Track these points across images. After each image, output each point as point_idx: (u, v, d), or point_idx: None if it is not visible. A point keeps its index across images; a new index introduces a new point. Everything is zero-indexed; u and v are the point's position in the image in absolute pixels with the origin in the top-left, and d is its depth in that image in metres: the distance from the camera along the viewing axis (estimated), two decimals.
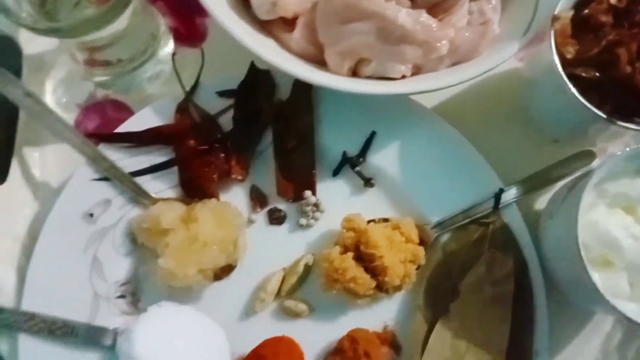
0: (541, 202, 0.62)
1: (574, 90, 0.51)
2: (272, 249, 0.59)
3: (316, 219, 0.60)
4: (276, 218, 0.60)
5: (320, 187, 0.61)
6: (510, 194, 0.58)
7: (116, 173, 0.57)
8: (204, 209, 0.55)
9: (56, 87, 0.64)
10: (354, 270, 0.55)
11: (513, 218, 0.58)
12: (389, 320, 0.58)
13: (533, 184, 0.59)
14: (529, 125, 0.63)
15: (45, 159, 0.62)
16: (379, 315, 0.58)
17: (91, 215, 0.57)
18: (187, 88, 0.60)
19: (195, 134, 0.58)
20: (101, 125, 0.64)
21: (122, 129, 0.59)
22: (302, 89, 0.60)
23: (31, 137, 0.62)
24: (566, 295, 0.55)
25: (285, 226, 0.60)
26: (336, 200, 0.61)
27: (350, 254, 0.55)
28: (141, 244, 0.57)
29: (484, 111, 0.64)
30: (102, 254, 0.57)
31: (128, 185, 0.57)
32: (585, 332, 0.59)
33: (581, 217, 0.49)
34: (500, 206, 0.58)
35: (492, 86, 0.64)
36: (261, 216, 0.60)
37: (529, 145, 0.63)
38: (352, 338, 0.55)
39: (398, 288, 0.57)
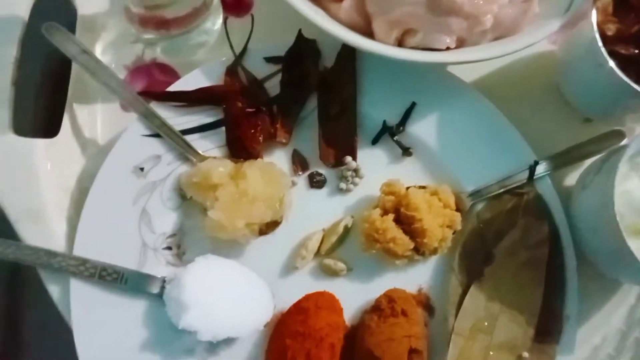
0: (571, 177, 0.64)
1: (612, 64, 0.54)
2: (313, 211, 0.62)
3: (355, 184, 0.62)
4: (316, 182, 0.63)
5: (359, 154, 0.63)
6: (544, 167, 0.61)
7: (166, 130, 0.59)
8: (253, 167, 0.57)
9: (106, 47, 0.66)
10: (394, 231, 0.57)
11: (546, 189, 0.60)
12: (423, 283, 0.60)
13: (565, 158, 0.62)
14: (561, 104, 0.65)
15: (94, 117, 0.64)
16: (414, 278, 0.60)
17: (142, 169, 0.59)
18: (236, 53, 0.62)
19: (243, 97, 0.60)
20: (148, 87, 0.66)
21: (172, 88, 0.61)
22: (347, 58, 0.62)
23: (81, 96, 0.64)
24: (596, 265, 0.58)
25: (324, 190, 0.63)
26: (375, 168, 0.63)
27: (390, 216, 0.58)
28: (189, 198, 0.59)
29: (519, 89, 0.66)
30: (151, 206, 0.59)
31: (178, 142, 0.59)
32: (611, 303, 0.61)
33: (616, 187, 0.52)
34: (534, 178, 0.60)
35: (527, 66, 0.67)
36: (302, 180, 0.63)
37: (560, 124, 0.65)
38: (390, 297, 0.57)
39: (434, 251, 0.59)
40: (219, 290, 0.54)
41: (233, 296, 0.54)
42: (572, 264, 0.58)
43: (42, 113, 0.63)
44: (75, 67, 0.62)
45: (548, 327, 0.56)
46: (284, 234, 0.60)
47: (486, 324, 0.56)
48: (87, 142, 0.63)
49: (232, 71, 0.61)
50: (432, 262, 0.61)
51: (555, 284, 0.57)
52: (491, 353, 0.55)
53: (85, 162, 0.62)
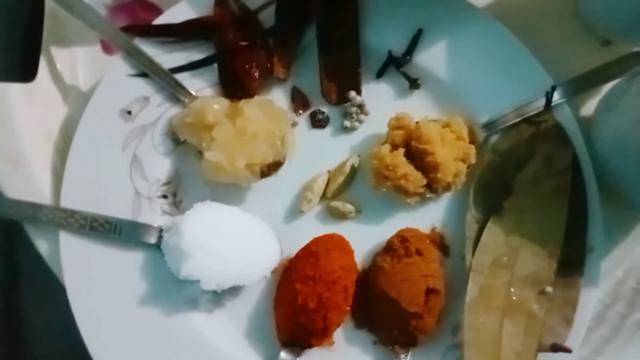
0: (589, 104, 0.61)
1: None
2: (316, 152, 0.58)
3: (360, 122, 0.58)
4: (319, 120, 0.58)
5: (364, 89, 0.58)
6: (561, 93, 0.57)
7: (154, 68, 0.54)
8: (251, 103, 0.53)
9: None
10: (405, 167, 0.53)
11: (565, 116, 0.56)
12: (437, 222, 0.57)
13: (584, 83, 0.58)
14: (578, 27, 0.61)
15: (74, 60, 0.59)
16: (426, 217, 0.57)
17: (129, 112, 0.54)
18: None
19: (236, 29, 0.55)
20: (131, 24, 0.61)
21: (157, 22, 0.56)
22: None
23: (58, 36, 0.58)
24: (622, 193, 0.54)
25: (328, 129, 0.58)
26: (381, 103, 0.58)
27: (401, 151, 0.54)
28: (183, 142, 0.54)
29: (533, 12, 0.61)
30: (142, 152, 0.54)
31: (167, 80, 0.54)
32: (633, 235, 0.58)
33: None
34: (552, 105, 0.56)
35: None
36: (303, 119, 0.58)
37: (577, 48, 0.61)
38: (402, 237, 0.54)
39: (447, 188, 0.56)
40: (221, 236, 0.50)
41: (236, 242, 0.51)
42: (595, 193, 0.54)
43: (16, 56, 0.58)
44: (49, 5, 0.56)
45: (571, 259, 0.53)
46: (287, 177, 0.56)
47: (506, 259, 0.53)
48: (67, 87, 0.58)
49: (222, 1, 0.56)
50: (445, 199, 0.57)
51: (577, 214, 0.53)
52: (512, 289, 0.52)
53: (67, 108, 0.58)
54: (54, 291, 0.53)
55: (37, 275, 0.58)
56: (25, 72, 0.55)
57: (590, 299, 0.52)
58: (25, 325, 0.62)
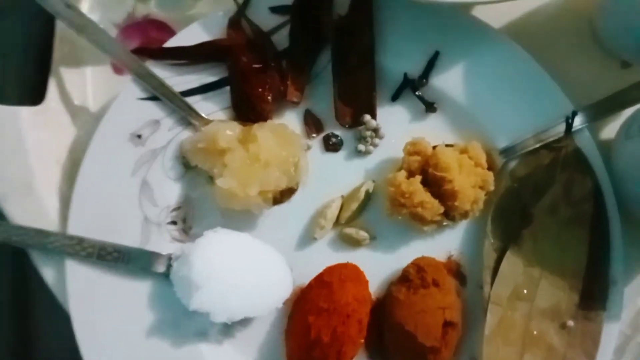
0: (609, 128, 0.59)
1: None
2: (329, 177, 0.56)
3: (375, 145, 0.57)
4: (332, 144, 0.57)
5: (379, 112, 0.57)
6: (582, 118, 0.55)
7: (165, 91, 0.53)
8: (264, 128, 0.51)
9: (93, 5, 0.59)
10: (422, 194, 0.52)
11: (585, 142, 0.55)
12: (453, 250, 0.55)
13: (605, 107, 0.56)
14: (597, 49, 0.59)
15: (84, 81, 0.58)
16: (442, 245, 0.55)
17: (139, 136, 0.53)
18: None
19: (249, 51, 0.54)
20: (141, 46, 0.59)
21: (169, 44, 0.54)
22: (362, 4, 0.56)
23: (68, 58, 0.57)
24: None
25: (341, 153, 0.57)
26: (396, 127, 0.57)
27: (418, 178, 0.52)
28: (194, 167, 0.53)
29: (551, 34, 0.60)
30: (152, 177, 0.53)
31: (178, 104, 0.53)
32: None
33: None
34: (573, 130, 0.55)
35: (560, 8, 0.60)
36: (316, 143, 0.57)
37: (596, 70, 0.59)
38: (418, 266, 0.52)
39: (465, 215, 0.54)
40: (231, 266, 0.49)
41: (248, 272, 0.49)
42: (617, 222, 0.53)
43: (25, 78, 0.57)
44: (59, 26, 0.56)
45: (593, 291, 0.51)
46: (300, 203, 0.55)
47: (526, 291, 0.51)
48: (77, 109, 0.57)
49: (235, 23, 0.55)
50: (462, 226, 0.56)
51: (599, 244, 0.52)
52: (532, 322, 0.51)
53: (76, 130, 0.56)
54: (63, 317, 0.52)
55: (47, 301, 0.57)
56: (34, 94, 0.54)
57: (613, 333, 0.51)
58: (34, 351, 0.61)
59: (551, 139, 0.55)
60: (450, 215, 0.54)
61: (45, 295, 0.53)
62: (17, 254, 0.62)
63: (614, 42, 0.58)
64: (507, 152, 0.55)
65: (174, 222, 0.54)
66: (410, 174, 0.53)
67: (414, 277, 0.52)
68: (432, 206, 0.52)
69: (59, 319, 0.52)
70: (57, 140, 0.55)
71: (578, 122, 0.55)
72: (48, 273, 0.52)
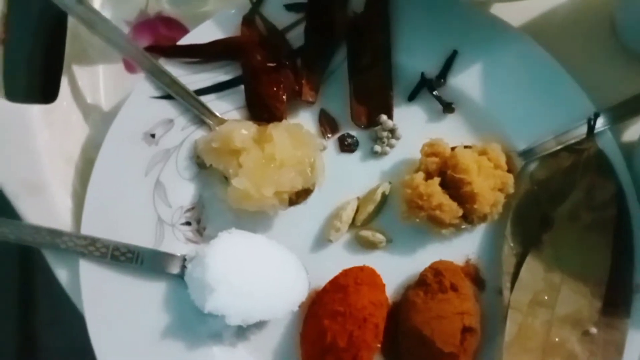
0: (631, 130, 0.58)
1: None
2: (345, 177, 0.55)
3: (391, 146, 0.56)
4: (348, 145, 0.56)
5: (395, 112, 0.56)
6: (604, 120, 0.54)
7: (178, 90, 0.52)
8: (279, 128, 0.50)
9: (104, 2, 0.59)
10: (440, 197, 0.51)
11: (608, 144, 0.53)
12: (471, 254, 0.54)
13: (628, 109, 0.54)
14: (619, 49, 0.58)
15: (96, 80, 0.57)
16: (460, 248, 0.54)
17: (152, 135, 0.52)
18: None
19: (263, 49, 0.53)
20: (154, 44, 0.59)
21: (182, 42, 0.54)
22: (378, 1, 0.55)
23: (80, 55, 0.57)
24: None
25: (357, 154, 0.56)
26: (412, 127, 0.56)
27: (436, 179, 0.51)
28: (208, 166, 0.52)
29: (573, 33, 0.58)
30: (166, 177, 0.52)
31: (192, 103, 0.52)
32: None
33: None
34: (594, 132, 0.53)
35: (581, 7, 0.59)
36: (331, 143, 0.56)
37: (618, 70, 0.58)
38: (436, 270, 0.51)
39: (483, 218, 0.53)
40: (246, 268, 0.48)
41: (263, 274, 0.48)
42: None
43: (36, 76, 0.56)
44: (71, 22, 0.55)
45: (616, 298, 0.50)
46: (315, 204, 0.54)
47: (546, 297, 0.50)
48: (89, 107, 0.56)
49: (249, 21, 0.54)
50: (480, 230, 0.55)
51: (622, 249, 0.50)
52: (553, 329, 0.49)
53: (88, 129, 0.56)
54: (70, 317, 0.51)
55: (53, 301, 0.57)
56: (46, 93, 0.54)
57: (638, 341, 0.49)
58: (40, 350, 0.60)
59: (572, 141, 0.53)
60: (468, 218, 0.53)
61: (51, 295, 0.53)
62: (23, 255, 0.62)
63: (636, 41, 0.57)
64: (526, 154, 0.54)
65: (187, 223, 0.53)
66: (428, 176, 0.52)
67: (432, 281, 0.51)
68: (451, 209, 0.51)
69: (65, 319, 0.51)
70: (69, 139, 0.55)
71: (600, 123, 0.54)
72: (61, 273, 0.51)
